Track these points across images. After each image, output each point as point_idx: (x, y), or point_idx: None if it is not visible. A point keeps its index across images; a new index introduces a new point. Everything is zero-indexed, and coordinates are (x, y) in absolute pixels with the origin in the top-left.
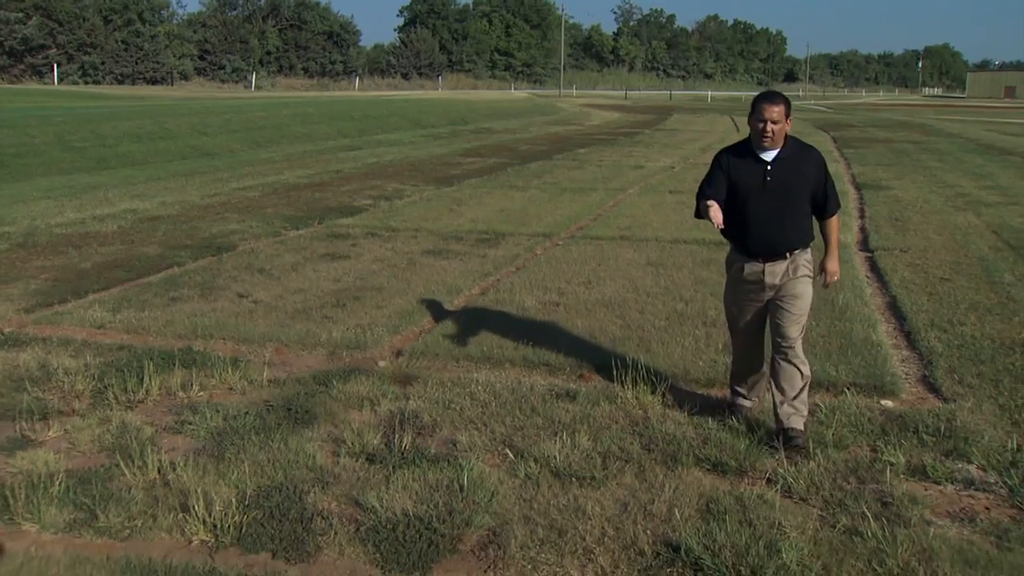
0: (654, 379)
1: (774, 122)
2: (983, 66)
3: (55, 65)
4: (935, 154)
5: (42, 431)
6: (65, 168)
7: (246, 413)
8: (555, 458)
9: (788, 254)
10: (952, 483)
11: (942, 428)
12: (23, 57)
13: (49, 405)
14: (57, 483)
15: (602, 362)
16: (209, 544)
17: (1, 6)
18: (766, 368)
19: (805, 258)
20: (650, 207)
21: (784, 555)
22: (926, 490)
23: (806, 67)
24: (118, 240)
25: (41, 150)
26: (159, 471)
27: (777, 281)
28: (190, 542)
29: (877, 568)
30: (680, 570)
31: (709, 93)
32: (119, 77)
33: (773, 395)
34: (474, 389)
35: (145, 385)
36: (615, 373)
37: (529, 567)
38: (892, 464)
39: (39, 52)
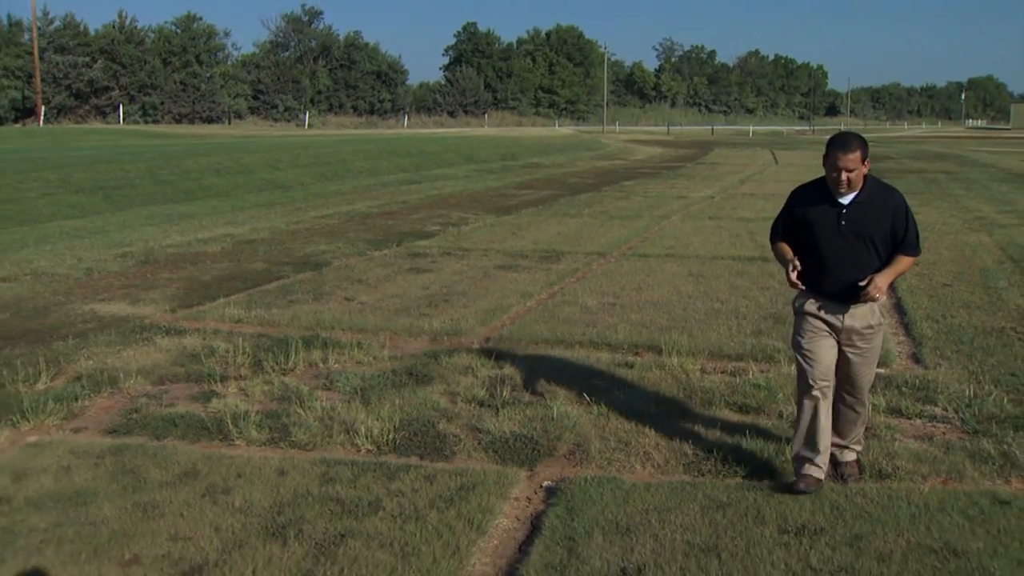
0: (694, 354)
1: (849, 170)
2: None
3: (119, 106)
4: (963, 183)
5: (223, 388)
6: (159, 199)
7: (378, 377)
8: (619, 402)
9: (863, 299)
10: (920, 418)
11: (918, 384)
12: (88, 98)
13: (221, 372)
14: (252, 417)
15: (652, 343)
16: (373, 452)
17: (69, 51)
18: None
19: (879, 305)
20: (692, 230)
21: (786, 453)
22: (899, 422)
23: (847, 100)
24: (225, 258)
25: (136, 183)
26: (323, 411)
27: (855, 325)
28: (359, 450)
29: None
30: (714, 464)
31: (751, 128)
32: (177, 116)
33: (833, 438)
34: (552, 361)
35: (292, 359)
36: (663, 350)
37: (605, 463)
38: (875, 405)
39: (103, 94)
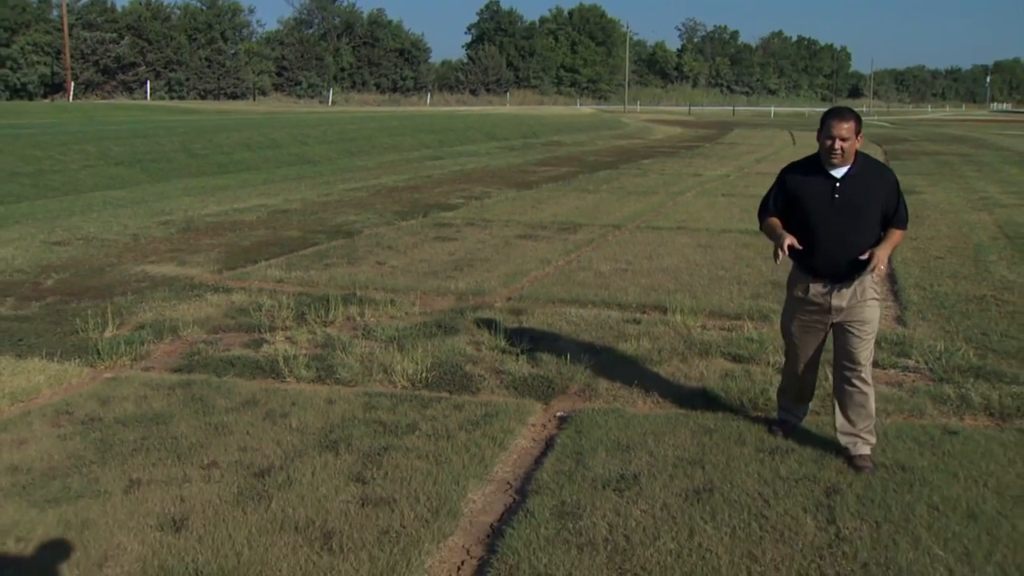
0: (696, 313)
1: (843, 139)
2: None
3: (147, 81)
4: (975, 165)
5: (271, 337)
6: (193, 172)
7: (410, 328)
8: (626, 351)
9: (856, 276)
10: (894, 368)
11: (897, 340)
12: (115, 74)
13: (268, 324)
14: (300, 359)
15: (659, 303)
16: (408, 387)
17: (97, 27)
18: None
19: (872, 280)
20: (704, 206)
21: (771, 394)
22: (874, 372)
23: (870, 83)
24: (262, 226)
25: (171, 156)
26: (363, 355)
27: (844, 304)
28: (396, 386)
29: (826, 397)
30: (708, 403)
31: (772, 109)
32: (202, 92)
33: (839, 422)
34: (568, 317)
35: (332, 313)
36: (668, 309)
37: (611, 399)
38: None
39: (130, 70)
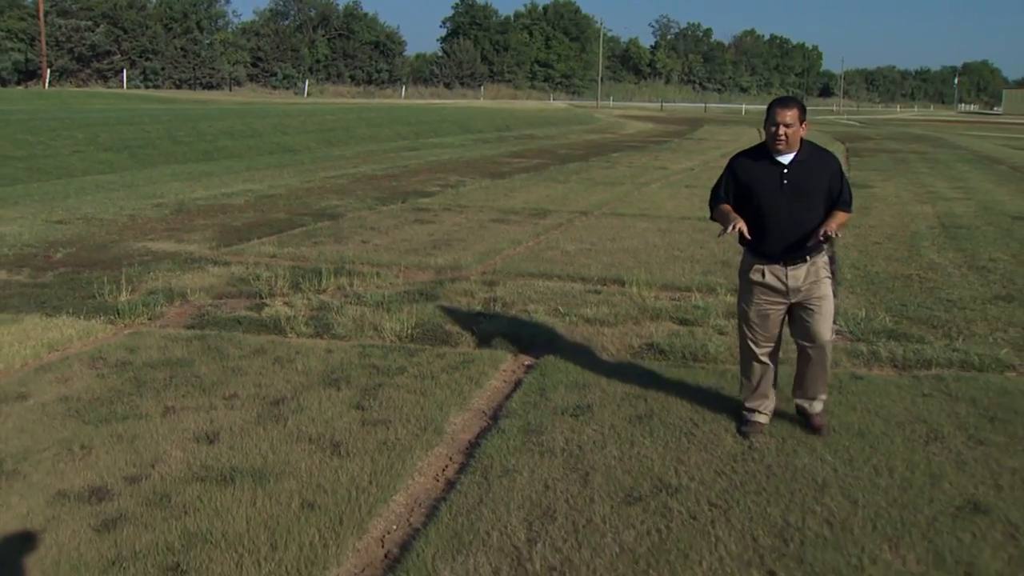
0: (651, 285)
1: (787, 125)
2: (1023, 83)
3: (123, 70)
4: (930, 162)
5: (271, 301)
6: (179, 158)
7: (395, 295)
8: (587, 315)
9: (808, 257)
10: None
11: None
12: (90, 62)
13: (267, 291)
14: (299, 318)
15: (618, 277)
16: (396, 340)
17: (72, 15)
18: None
19: (824, 260)
20: (667, 196)
21: (710, 348)
22: None
23: (841, 82)
24: (251, 209)
25: (157, 143)
26: (354, 316)
27: (801, 284)
28: (385, 340)
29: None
30: (654, 354)
31: (744, 106)
32: (177, 82)
33: (801, 392)
34: (536, 288)
35: (324, 283)
36: (626, 282)
37: (572, 353)
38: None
39: (105, 58)
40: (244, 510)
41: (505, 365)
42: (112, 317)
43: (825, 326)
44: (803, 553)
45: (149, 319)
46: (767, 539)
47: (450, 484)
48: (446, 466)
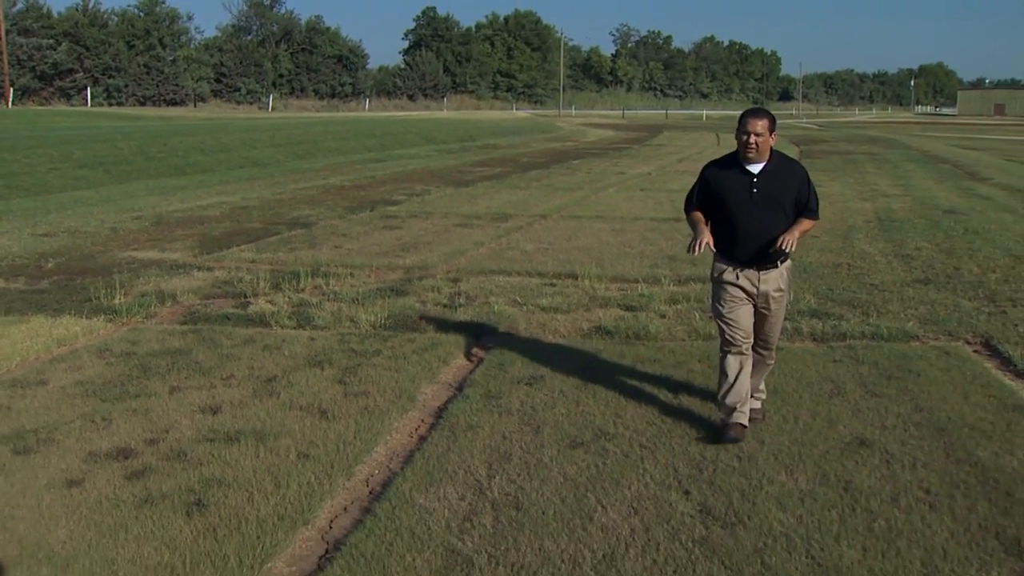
0: (601, 279)
1: (758, 135)
2: (977, 84)
3: (88, 88)
4: (878, 163)
5: (255, 300)
6: (152, 173)
7: (368, 292)
8: (542, 304)
9: (779, 263)
10: None
11: None
12: (53, 80)
13: (251, 291)
14: (283, 313)
15: (572, 272)
16: (371, 329)
17: (33, 33)
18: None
19: (787, 266)
20: (623, 199)
21: (651, 328)
22: None
23: (800, 86)
24: (226, 220)
25: (130, 159)
26: (332, 310)
27: (771, 289)
28: (361, 329)
29: (701, 330)
30: (601, 335)
31: (704, 112)
32: (141, 99)
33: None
34: (496, 283)
35: (303, 283)
36: (579, 276)
37: (529, 335)
38: None
39: (67, 76)
40: (250, 461)
41: (469, 347)
42: (111, 316)
43: (777, 330)
44: (714, 478)
45: (145, 318)
46: (686, 469)
47: (422, 439)
48: (418, 426)
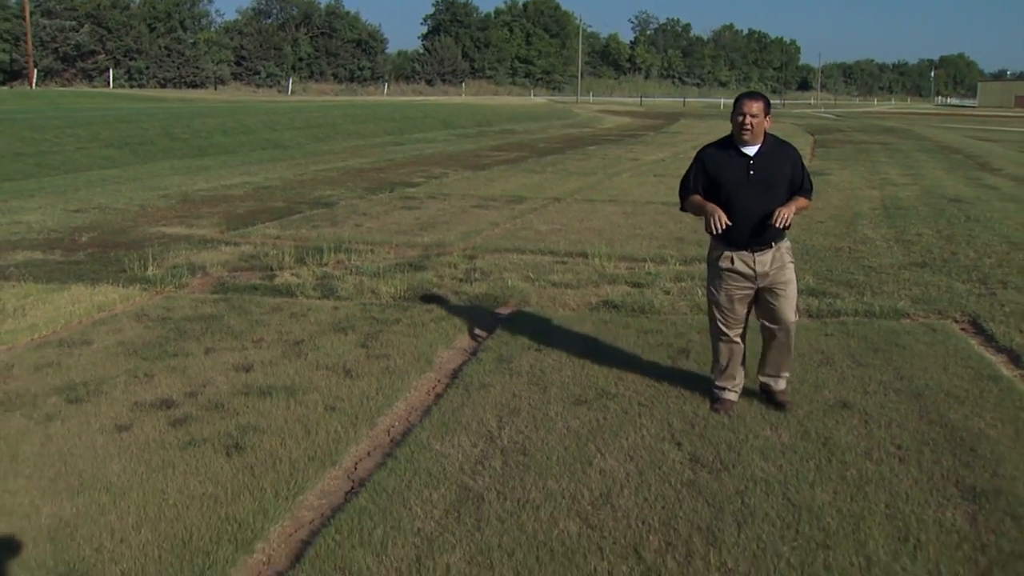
0: (611, 257)
1: (753, 116)
2: (999, 76)
3: (110, 69)
4: (890, 152)
5: (280, 273)
6: (176, 154)
7: (388, 267)
8: (554, 280)
9: (773, 243)
10: None
11: None
12: (75, 62)
13: (276, 265)
14: (307, 284)
15: (583, 251)
16: (391, 301)
17: (56, 15)
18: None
19: (786, 246)
20: (635, 184)
21: (655, 303)
22: None
23: (819, 76)
24: (250, 199)
25: (155, 140)
26: (354, 282)
27: (768, 270)
28: (382, 300)
29: (703, 305)
30: (608, 308)
31: (722, 101)
32: (161, 81)
33: (766, 370)
34: (510, 260)
35: (326, 257)
36: (589, 255)
37: (540, 307)
38: None
39: (89, 58)
40: (281, 412)
41: (483, 317)
42: (145, 286)
43: (790, 309)
44: (705, 432)
45: (177, 287)
46: (679, 424)
47: (438, 396)
48: (435, 386)
